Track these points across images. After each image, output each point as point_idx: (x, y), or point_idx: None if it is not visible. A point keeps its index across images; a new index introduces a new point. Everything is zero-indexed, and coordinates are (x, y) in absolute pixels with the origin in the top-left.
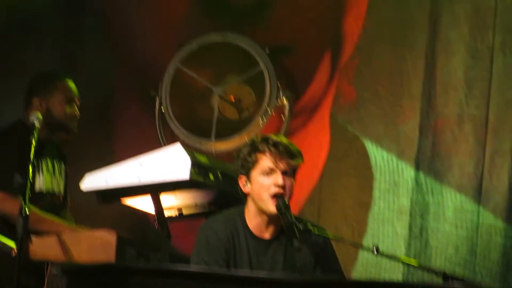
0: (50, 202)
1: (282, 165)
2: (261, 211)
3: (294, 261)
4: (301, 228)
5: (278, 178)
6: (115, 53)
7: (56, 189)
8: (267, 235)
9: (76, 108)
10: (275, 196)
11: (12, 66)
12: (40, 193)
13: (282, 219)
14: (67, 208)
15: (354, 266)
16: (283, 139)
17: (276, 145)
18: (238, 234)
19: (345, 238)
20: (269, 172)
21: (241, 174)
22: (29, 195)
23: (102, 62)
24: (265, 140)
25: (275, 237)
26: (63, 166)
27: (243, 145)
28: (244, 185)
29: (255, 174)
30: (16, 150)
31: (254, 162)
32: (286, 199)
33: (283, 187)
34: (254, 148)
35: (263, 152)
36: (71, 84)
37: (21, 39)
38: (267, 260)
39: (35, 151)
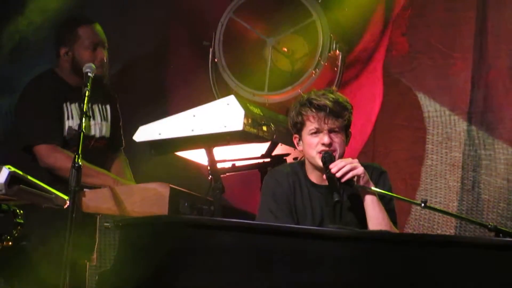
0: (88, 146)
1: (327, 126)
2: (315, 167)
3: (354, 206)
4: (342, 183)
5: (324, 138)
6: (170, 3)
7: (97, 133)
8: (325, 181)
9: (103, 52)
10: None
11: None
12: (69, 136)
13: (325, 172)
14: (119, 149)
15: (407, 221)
16: (328, 98)
17: (319, 108)
18: (300, 183)
19: (399, 192)
20: (316, 132)
21: (294, 133)
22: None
23: (158, 13)
24: (309, 102)
25: None
26: (107, 109)
27: (292, 106)
28: (298, 143)
29: (304, 134)
30: (47, 98)
31: (302, 124)
32: (336, 155)
33: (330, 144)
34: (299, 112)
35: (307, 115)
36: (97, 28)
37: None
38: (329, 206)
39: (63, 97)
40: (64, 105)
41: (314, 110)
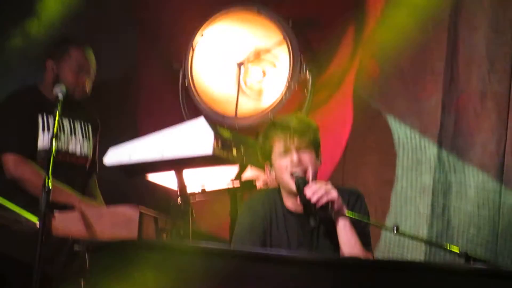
0: (66, 161)
1: (294, 144)
2: (290, 193)
3: (330, 232)
4: (316, 208)
5: (293, 156)
6: (139, 26)
7: (78, 150)
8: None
9: (87, 79)
10: (294, 175)
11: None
12: (44, 150)
13: (299, 197)
14: (93, 175)
15: (377, 246)
16: (293, 119)
17: (284, 128)
18: (276, 211)
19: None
20: (284, 153)
21: (264, 162)
22: (52, 168)
23: (126, 36)
24: (273, 125)
25: None
26: (89, 128)
27: (259, 136)
28: (270, 172)
29: (274, 159)
30: (22, 111)
31: (270, 148)
32: (310, 174)
33: (299, 163)
34: (266, 136)
35: (273, 138)
36: (88, 54)
37: None
38: (305, 233)
39: (40, 110)
40: (40, 116)
41: (279, 131)
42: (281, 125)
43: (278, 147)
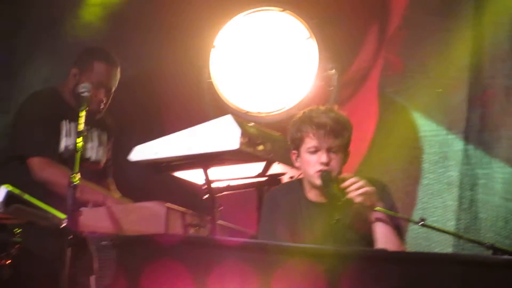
0: (83, 167)
1: (326, 144)
2: (312, 185)
3: (355, 224)
4: (342, 201)
5: (322, 156)
6: (163, 25)
7: (93, 156)
8: (323, 199)
9: (103, 95)
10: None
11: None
12: (65, 152)
13: (325, 191)
14: (109, 177)
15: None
16: (329, 116)
17: (319, 125)
18: (299, 201)
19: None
20: (314, 150)
21: (293, 149)
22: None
23: (151, 34)
24: (309, 119)
25: None
26: (105, 135)
27: (292, 121)
28: (296, 160)
29: (302, 151)
30: (44, 113)
31: (301, 141)
32: (335, 173)
33: (327, 163)
34: (299, 128)
35: (306, 132)
36: (112, 70)
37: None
38: (328, 222)
39: (62, 115)
40: (64, 122)
41: (314, 127)
42: (318, 123)
43: (309, 142)
